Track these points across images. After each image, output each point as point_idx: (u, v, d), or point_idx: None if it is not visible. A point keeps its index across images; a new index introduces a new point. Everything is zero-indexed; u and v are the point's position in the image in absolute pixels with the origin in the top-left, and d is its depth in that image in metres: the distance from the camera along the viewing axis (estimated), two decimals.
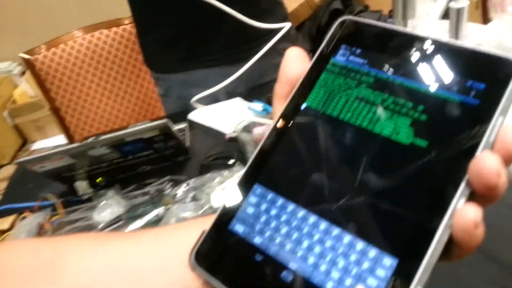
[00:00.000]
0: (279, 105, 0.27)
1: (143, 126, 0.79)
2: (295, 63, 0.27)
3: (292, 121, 0.26)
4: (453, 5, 0.62)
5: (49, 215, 0.82)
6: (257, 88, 1.12)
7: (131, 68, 1.46)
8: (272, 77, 1.14)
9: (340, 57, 0.26)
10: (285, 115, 0.26)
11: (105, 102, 1.45)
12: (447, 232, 0.20)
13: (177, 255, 0.26)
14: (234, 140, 0.92)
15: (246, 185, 0.25)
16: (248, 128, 0.86)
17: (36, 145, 2.62)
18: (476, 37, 0.93)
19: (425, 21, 0.54)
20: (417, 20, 0.66)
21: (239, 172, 0.26)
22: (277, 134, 0.26)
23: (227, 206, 0.25)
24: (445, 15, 0.67)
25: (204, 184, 0.79)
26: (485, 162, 0.20)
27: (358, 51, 0.26)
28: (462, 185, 0.20)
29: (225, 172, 0.80)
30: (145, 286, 0.26)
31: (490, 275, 0.56)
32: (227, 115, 0.99)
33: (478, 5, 1.83)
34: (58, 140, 2.35)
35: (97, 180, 0.90)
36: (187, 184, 0.79)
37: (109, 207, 0.80)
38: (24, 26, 2.69)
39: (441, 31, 0.98)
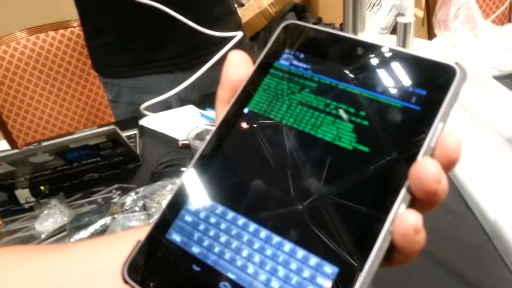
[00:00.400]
0: (222, 110, 0.26)
1: (88, 133, 0.76)
2: (238, 67, 0.26)
3: (233, 127, 0.25)
4: (400, 20, 0.65)
5: None
6: (210, 96, 1.11)
7: (79, 72, 1.41)
8: None
9: (283, 62, 0.26)
10: (226, 120, 0.25)
11: (51, 107, 1.39)
12: (388, 238, 0.20)
13: (110, 268, 0.25)
14: (186, 147, 0.91)
15: (185, 192, 0.24)
16: (200, 136, 0.85)
17: None
18: (421, 52, 0.97)
19: (366, 33, 0.55)
20: (367, 33, 0.68)
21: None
22: (217, 140, 0.25)
23: (164, 214, 0.24)
24: (394, 30, 0.69)
25: (154, 193, 0.76)
26: (425, 168, 0.20)
27: (302, 55, 0.25)
28: (403, 191, 0.20)
29: (177, 180, 0.78)
30: None
31: (438, 279, 0.59)
32: (180, 122, 0.97)
33: (424, 22, 1.92)
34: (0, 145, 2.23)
35: (40, 188, 0.86)
36: (137, 193, 0.77)
37: (52, 216, 0.76)
38: None
39: None
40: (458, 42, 1.03)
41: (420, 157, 0.20)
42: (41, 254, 0.28)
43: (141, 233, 0.24)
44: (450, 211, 0.69)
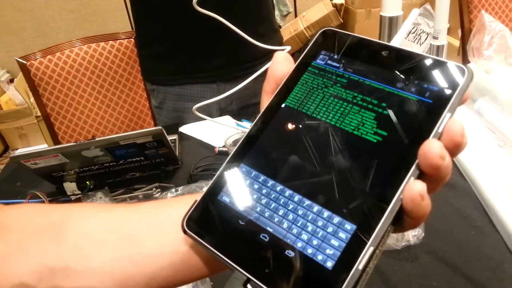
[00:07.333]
0: (266, 100, 0.31)
1: (138, 131, 0.82)
2: (282, 64, 0.31)
3: (275, 114, 0.30)
4: (434, 42, 0.69)
5: None
6: (249, 108, 1.16)
7: (124, 81, 1.49)
8: None
9: (319, 61, 0.30)
10: (269, 108, 0.30)
11: (96, 112, 1.47)
12: (399, 202, 0.24)
13: (170, 222, 0.29)
14: (223, 153, 0.96)
15: (233, 164, 0.29)
16: (237, 142, 0.89)
17: (18, 152, 2.60)
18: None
19: (393, 40, 0.59)
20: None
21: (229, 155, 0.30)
22: (262, 124, 0.30)
23: (217, 180, 0.29)
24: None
25: (191, 192, 0.82)
26: (430, 146, 0.24)
27: (335, 56, 0.30)
28: (413, 167, 0.24)
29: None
30: (142, 248, 0.29)
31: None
32: (217, 130, 1.03)
33: (459, 52, 1.94)
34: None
35: (86, 183, 0.93)
36: (176, 190, 0.82)
37: None
38: (15, 34, 2.71)
39: None
40: (491, 69, 1.06)
41: (429, 139, 0.25)
42: (114, 207, 0.33)
43: (197, 196, 0.29)
44: (474, 226, 0.71)
